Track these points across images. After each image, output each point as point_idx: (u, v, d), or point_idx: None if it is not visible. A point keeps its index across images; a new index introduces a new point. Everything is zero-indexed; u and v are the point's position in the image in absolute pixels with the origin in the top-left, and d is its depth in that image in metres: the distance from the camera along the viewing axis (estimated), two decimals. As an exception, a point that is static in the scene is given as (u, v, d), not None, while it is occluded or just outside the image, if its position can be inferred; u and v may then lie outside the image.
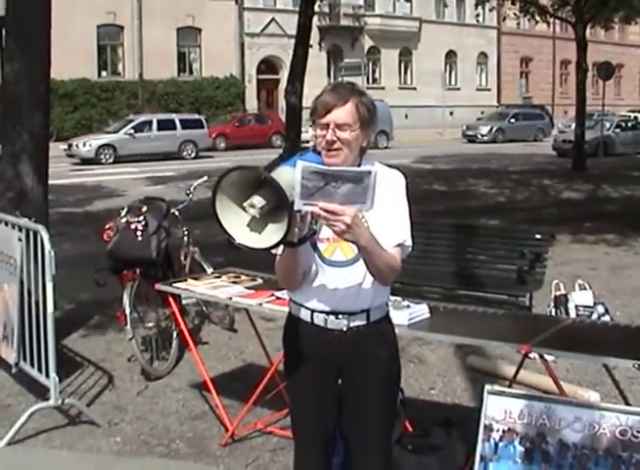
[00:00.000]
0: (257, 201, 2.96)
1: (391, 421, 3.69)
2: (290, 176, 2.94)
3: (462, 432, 5.01)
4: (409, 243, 3.37)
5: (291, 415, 3.75)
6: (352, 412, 3.51)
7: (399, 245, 3.33)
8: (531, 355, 5.04)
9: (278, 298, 5.24)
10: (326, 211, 2.94)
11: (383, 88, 51.35)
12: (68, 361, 7.09)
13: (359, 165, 3.32)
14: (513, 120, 44.82)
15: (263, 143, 36.83)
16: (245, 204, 2.98)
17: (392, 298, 3.71)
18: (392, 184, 3.37)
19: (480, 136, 43.53)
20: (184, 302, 7.40)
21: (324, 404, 3.51)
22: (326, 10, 48.30)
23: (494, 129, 43.76)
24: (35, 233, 5.89)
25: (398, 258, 3.32)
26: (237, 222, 3.03)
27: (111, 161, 31.45)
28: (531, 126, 45.60)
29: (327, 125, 3.27)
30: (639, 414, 3.74)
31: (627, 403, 5.05)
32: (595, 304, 8.02)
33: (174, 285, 6.04)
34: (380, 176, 2.97)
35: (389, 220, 3.31)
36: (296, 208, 2.92)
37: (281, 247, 3.19)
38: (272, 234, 3.00)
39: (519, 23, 37.24)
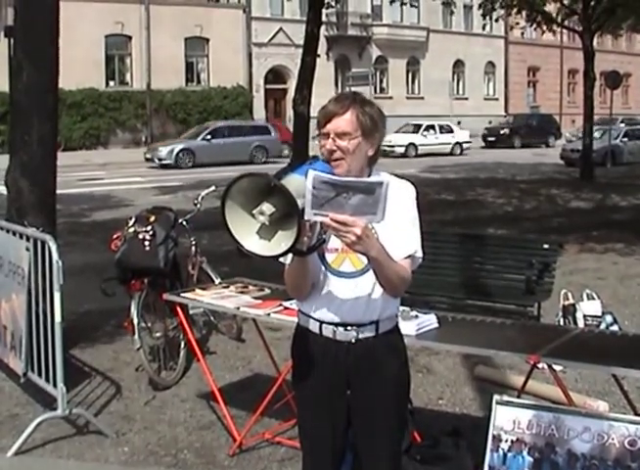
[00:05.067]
0: (267, 208, 2.95)
1: (401, 431, 3.68)
2: (299, 184, 2.93)
3: (470, 442, 4.99)
4: (420, 254, 3.37)
5: (299, 425, 3.74)
6: (362, 423, 3.50)
7: (410, 256, 3.33)
8: (540, 365, 5.03)
9: (286, 308, 5.24)
10: (336, 221, 2.93)
11: (390, 98, 51.35)
12: (75, 371, 7.08)
13: (369, 176, 3.31)
14: (209, 137, 34.47)
15: (271, 153, 36.84)
16: (254, 211, 2.97)
17: (401, 308, 3.69)
18: (403, 195, 3.36)
19: (157, 160, 33.27)
20: (192, 311, 7.39)
21: (333, 415, 3.50)
22: (333, 19, 48.28)
23: (177, 151, 33.30)
24: (43, 243, 5.91)
25: (409, 270, 3.32)
26: (246, 230, 3.01)
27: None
28: (242, 144, 34.77)
29: (328, 135, 3.28)
30: (648, 425, 3.73)
31: (636, 414, 5.03)
32: (603, 313, 8.02)
33: (182, 295, 6.05)
34: (390, 187, 2.96)
35: (400, 232, 3.30)
36: (306, 217, 2.91)
37: (290, 256, 3.18)
38: (282, 241, 2.99)
39: (523, 33, 37.12)
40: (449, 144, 41.96)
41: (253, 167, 29.47)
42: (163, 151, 33.32)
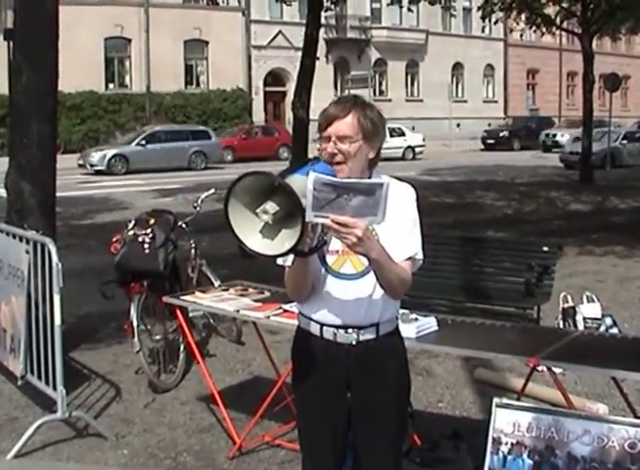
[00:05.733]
0: (271, 207, 2.94)
1: (401, 434, 3.67)
2: (302, 185, 2.92)
3: (470, 445, 4.99)
4: (420, 256, 3.37)
5: (298, 428, 3.73)
6: (362, 425, 3.49)
7: (410, 258, 3.33)
8: (539, 368, 5.02)
9: (286, 310, 5.24)
10: (337, 223, 2.93)
11: (389, 100, 51.37)
12: (75, 374, 7.08)
13: (369, 178, 3.31)
14: (144, 142, 33.37)
15: (270, 155, 36.85)
16: (258, 210, 2.96)
17: (400, 310, 3.69)
18: (403, 197, 3.37)
19: (89, 166, 32.36)
20: (191, 314, 7.40)
21: (333, 418, 3.49)
22: (332, 22, 48.29)
23: (109, 156, 32.27)
24: (43, 245, 5.90)
25: (409, 272, 3.32)
26: (249, 228, 3.01)
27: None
28: (180, 150, 33.69)
29: (329, 138, 3.28)
30: (648, 427, 3.73)
31: (636, 416, 5.04)
32: (603, 316, 8.00)
33: (182, 297, 6.05)
34: (390, 189, 2.96)
35: (400, 233, 3.30)
36: (307, 219, 2.91)
37: (290, 258, 3.18)
38: (285, 241, 2.98)
39: (522, 35, 37.00)
40: (400, 148, 39.81)
41: (192, 174, 29.73)
42: (95, 156, 32.34)
